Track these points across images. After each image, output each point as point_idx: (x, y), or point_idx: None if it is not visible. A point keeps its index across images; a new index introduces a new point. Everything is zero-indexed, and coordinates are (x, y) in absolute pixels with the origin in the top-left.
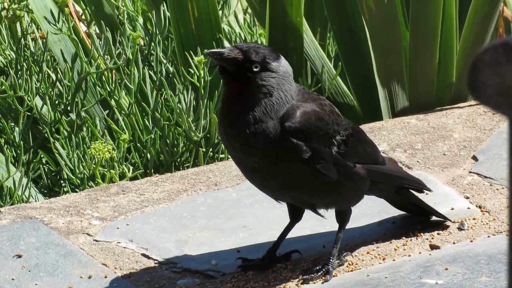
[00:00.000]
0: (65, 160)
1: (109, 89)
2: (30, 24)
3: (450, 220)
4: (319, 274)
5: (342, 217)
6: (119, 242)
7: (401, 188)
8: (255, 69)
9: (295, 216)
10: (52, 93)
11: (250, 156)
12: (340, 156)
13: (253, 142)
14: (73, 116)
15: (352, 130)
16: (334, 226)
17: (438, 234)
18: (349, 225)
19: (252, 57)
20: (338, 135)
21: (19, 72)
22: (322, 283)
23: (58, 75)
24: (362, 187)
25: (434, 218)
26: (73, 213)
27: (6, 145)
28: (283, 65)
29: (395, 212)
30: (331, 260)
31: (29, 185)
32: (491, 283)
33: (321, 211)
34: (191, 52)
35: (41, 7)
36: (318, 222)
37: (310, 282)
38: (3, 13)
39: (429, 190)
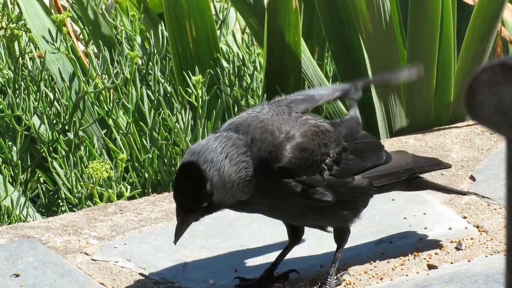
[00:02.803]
0: (63, 180)
1: (107, 109)
2: (28, 43)
3: (469, 193)
4: None
5: (341, 237)
6: (116, 262)
7: (412, 180)
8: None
9: (294, 238)
10: (50, 113)
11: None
12: (334, 177)
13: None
14: (70, 135)
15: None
16: (332, 246)
17: (435, 253)
18: (346, 245)
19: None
20: (328, 157)
21: (17, 91)
22: None
23: (56, 95)
24: (367, 197)
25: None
26: (70, 232)
27: (3, 165)
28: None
29: (393, 231)
30: (328, 279)
31: (26, 205)
32: None
33: (330, 228)
34: (189, 71)
35: (39, 26)
36: (316, 242)
37: None
38: (1, 32)
39: (448, 166)
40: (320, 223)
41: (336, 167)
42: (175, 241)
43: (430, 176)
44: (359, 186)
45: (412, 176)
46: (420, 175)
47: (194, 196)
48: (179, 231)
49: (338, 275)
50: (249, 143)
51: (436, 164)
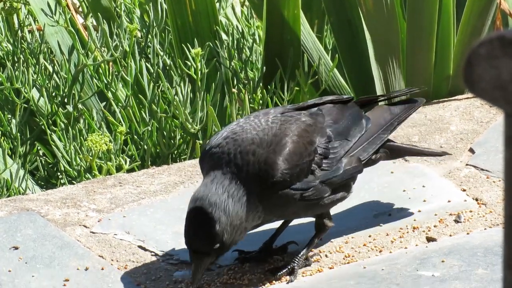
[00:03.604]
0: (62, 152)
1: (106, 81)
2: (27, 16)
3: (448, 153)
4: (283, 271)
5: (321, 227)
6: (115, 234)
7: (393, 150)
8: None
9: None
10: (49, 85)
11: None
12: (325, 170)
13: None
14: (70, 108)
15: (327, 126)
16: (334, 217)
17: (434, 226)
18: (345, 218)
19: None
20: (316, 155)
21: (16, 64)
22: (287, 283)
23: (55, 67)
24: (357, 173)
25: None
26: (70, 205)
27: (3, 137)
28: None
29: (391, 204)
30: (297, 260)
31: (26, 177)
32: (487, 275)
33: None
34: (188, 44)
35: None
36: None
37: (274, 281)
38: (0, 5)
39: (421, 102)
40: (319, 212)
41: (326, 160)
42: (194, 286)
43: (430, 146)
44: (349, 168)
45: (394, 128)
46: (396, 143)
47: (206, 240)
48: (196, 276)
49: (309, 256)
50: (237, 172)
51: (411, 107)
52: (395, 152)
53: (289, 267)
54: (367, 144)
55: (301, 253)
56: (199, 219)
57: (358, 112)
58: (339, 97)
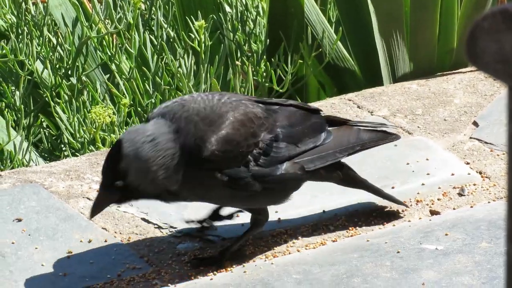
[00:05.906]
0: (66, 124)
1: (109, 54)
2: None
3: (406, 205)
4: (208, 261)
5: (259, 223)
6: (119, 206)
7: (347, 176)
8: (120, 185)
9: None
10: (52, 57)
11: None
12: (261, 167)
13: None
14: (73, 80)
15: (280, 126)
16: (334, 192)
17: (438, 199)
18: (348, 191)
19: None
20: (256, 148)
21: (20, 36)
22: (213, 273)
23: (59, 39)
24: (297, 181)
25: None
26: (73, 177)
27: (6, 109)
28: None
29: (395, 177)
30: (226, 253)
31: (29, 149)
32: (491, 248)
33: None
34: (192, 16)
35: None
36: (318, 187)
37: (201, 267)
38: None
39: (396, 138)
40: (249, 206)
41: (264, 157)
42: (90, 217)
43: (433, 121)
44: (288, 173)
45: (356, 150)
46: (354, 172)
47: (108, 171)
48: (95, 208)
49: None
50: (176, 132)
51: (382, 139)
52: (349, 178)
53: (216, 258)
54: (316, 157)
55: (232, 247)
56: (113, 151)
57: (321, 125)
58: (306, 105)
